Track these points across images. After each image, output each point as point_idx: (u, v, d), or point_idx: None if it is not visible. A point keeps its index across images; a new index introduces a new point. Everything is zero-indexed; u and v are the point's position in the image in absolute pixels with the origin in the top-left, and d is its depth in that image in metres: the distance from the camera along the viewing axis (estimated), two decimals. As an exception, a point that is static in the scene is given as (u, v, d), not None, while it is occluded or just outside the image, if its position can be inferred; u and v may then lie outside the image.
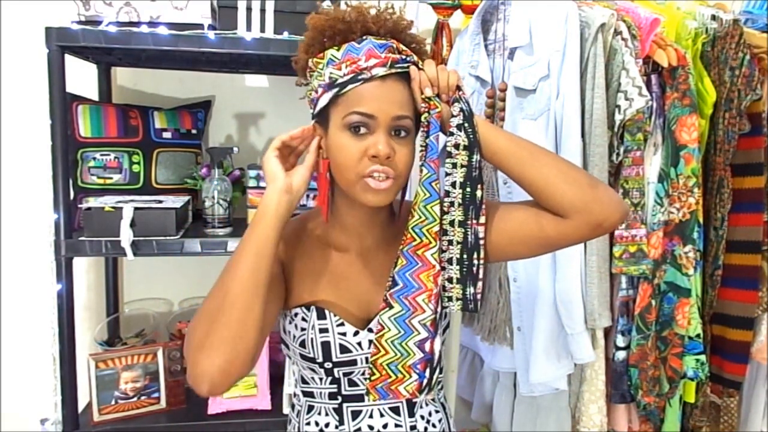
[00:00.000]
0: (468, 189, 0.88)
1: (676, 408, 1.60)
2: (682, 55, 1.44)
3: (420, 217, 0.88)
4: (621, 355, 1.48)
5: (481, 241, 0.89)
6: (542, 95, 1.40)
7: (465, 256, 0.89)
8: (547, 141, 1.39)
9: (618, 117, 1.39)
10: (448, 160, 0.88)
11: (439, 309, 0.89)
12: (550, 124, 1.39)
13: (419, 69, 0.87)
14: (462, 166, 0.87)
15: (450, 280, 0.90)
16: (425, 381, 0.89)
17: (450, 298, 0.90)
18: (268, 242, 0.83)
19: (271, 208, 0.85)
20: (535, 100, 1.41)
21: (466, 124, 0.87)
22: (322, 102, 0.87)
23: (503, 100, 1.46)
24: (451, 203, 0.89)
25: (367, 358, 0.92)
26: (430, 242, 0.88)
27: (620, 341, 1.49)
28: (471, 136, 0.87)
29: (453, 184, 0.89)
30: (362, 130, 0.84)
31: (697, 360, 1.51)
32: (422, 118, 0.88)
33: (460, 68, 1.57)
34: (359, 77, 0.83)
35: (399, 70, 0.86)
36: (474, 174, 0.88)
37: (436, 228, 0.88)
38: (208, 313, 0.81)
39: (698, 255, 1.51)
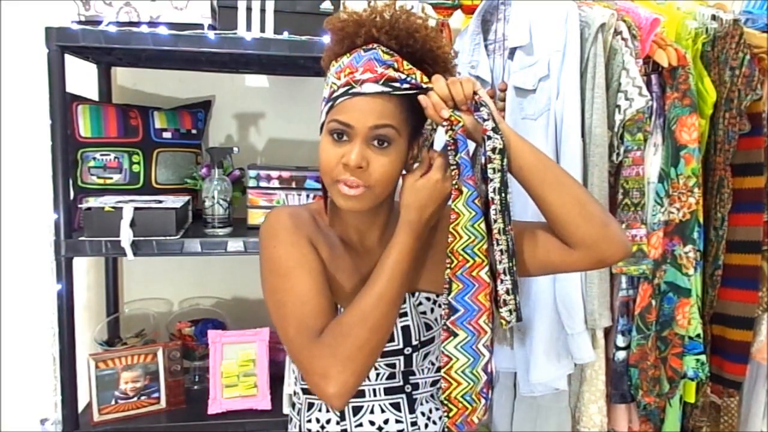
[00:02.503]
0: (503, 194, 0.86)
1: (676, 408, 1.60)
2: (682, 55, 1.44)
3: (469, 238, 0.85)
4: (621, 355, 1.49)
5: (514, 246, 0.88)
6: (542, 95, 1.40)
7: (511, 264, 0.87)
8: (547, 141, 1.39)
9: (618, 117, 1.39)
10: (489, 165, 0.85)
11: (493, 326, 0.87)
12: (550, 124, 1.39)
13: (427, 90, 0.85)
14: (497, 170, 0.85)
15: (507, 291, 0.87)
16: (488, 402, 0.88)
17: (510, 311, 0.87)
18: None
19: None
20: (535, 100, 1.41)
21: (496, 126, 0.84)
22: (323, 116, 0.88)
23: (503, 100, 1.46)
24: (495, 210, 0.85)
25: None
26: (483, 261, 0.85)
27: (620, 341, 1.49)
28: (502, 138, 0.84)
29: (494, 190, 0.85)
30: (343, 137, 0.84)
31: (697, 360, 1.51)
32: (447, 137, 0.85)
33: (460, 68, 1.57)
34: (349, 91, 0.83)
35: (391, 90, 0.83)
36: (505, 178, 0.86)
37: (486, 245, 0.85)
38: (358, 330, 0.82)
39: (698, 255, 1.51)
